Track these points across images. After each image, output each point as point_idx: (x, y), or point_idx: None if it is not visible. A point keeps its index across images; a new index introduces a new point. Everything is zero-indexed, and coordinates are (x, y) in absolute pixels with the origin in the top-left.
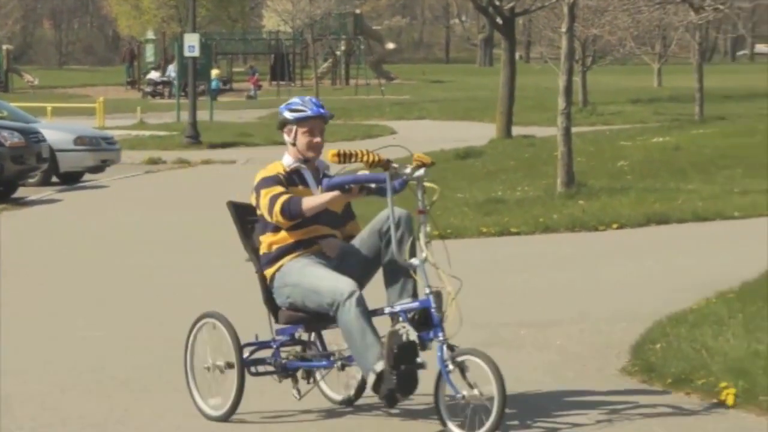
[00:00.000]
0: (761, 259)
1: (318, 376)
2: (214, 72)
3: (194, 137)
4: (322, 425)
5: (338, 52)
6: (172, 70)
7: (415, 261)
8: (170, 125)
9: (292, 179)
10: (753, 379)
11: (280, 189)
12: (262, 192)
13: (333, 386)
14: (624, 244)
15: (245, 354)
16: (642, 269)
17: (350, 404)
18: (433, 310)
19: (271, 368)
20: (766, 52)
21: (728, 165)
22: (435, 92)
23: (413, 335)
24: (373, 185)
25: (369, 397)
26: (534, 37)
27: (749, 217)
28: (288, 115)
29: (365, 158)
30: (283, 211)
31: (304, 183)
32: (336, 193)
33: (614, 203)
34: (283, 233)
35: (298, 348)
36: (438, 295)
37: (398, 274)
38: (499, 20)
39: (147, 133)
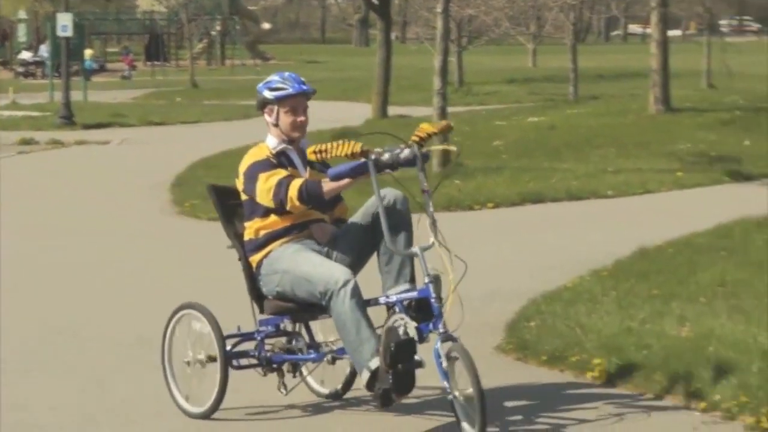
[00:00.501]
0: (634, 237)
1: (305, 370)
2: (88, 52)
3: (68, 118)
4: (309, 422)
5: (213, 33)
6: (44, 50)
7: (414, 249)
8: (43, 106)
9: (280, 162)
10: (626, 355)
11: (283, 172)
12: (261, 176)
13: (318, 378)
14: (499, 223)
15: (228, 347)
16: (517, 248)
17: (338, 398)
18: (432, 300)
19: (254, 361)
20: (639, 33)
21: (602, 144)
22: (311, 72)
23: (412, 330)
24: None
25: (357, 389)
26: (410, 17)
27: (622, 196)
28: (267, 94)
29: (341, 150)
30: (301, 194)
31: (292, 165)
32: (347, 181)
33: (489, 183)
34: (273, 218)
35: (283, 340)
36: (437, 282)
37: (394, 258)
38: (374, 0)
39: (20, 113)
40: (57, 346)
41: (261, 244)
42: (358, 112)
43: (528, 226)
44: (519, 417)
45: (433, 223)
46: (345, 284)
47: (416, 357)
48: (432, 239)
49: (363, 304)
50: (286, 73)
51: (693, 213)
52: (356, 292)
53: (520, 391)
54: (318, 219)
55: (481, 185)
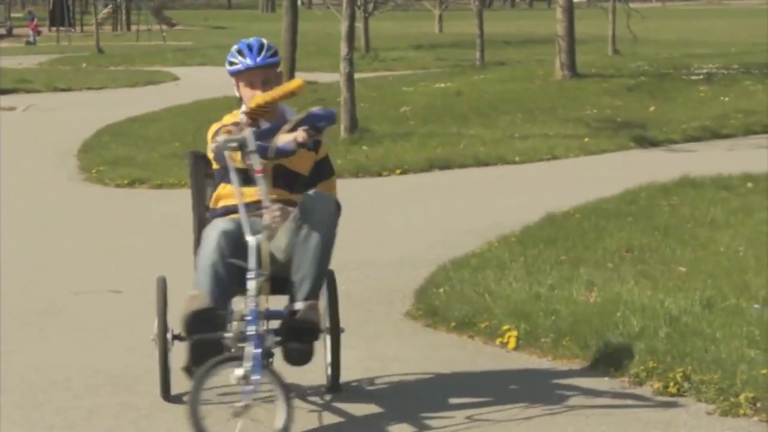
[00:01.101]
0: (541, 203)
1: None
2: None
3: None
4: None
5: None
6: None
7: (250, 239)
8: None
9: None
10: (534, 321)
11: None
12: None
13: None
14: (407, 189)
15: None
16: (425, 214)
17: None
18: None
19: None
20: None
21: (509, 110)
22: (217, 38)
23: (207, 301)
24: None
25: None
26: None
27: (529, 162)
28: (227, 67)
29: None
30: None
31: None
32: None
33: (397, 149)
34: (228, 189)
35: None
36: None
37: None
38: None
39: None
40: None
41: (215, 215)
42: None
43: (436, 192)
44: (426, 384)
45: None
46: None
47: (221, 332)
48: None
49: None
50: (249, 41)
51: (599, 179)
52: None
53: (429, 357)
54: (283, 200)
55: (389, 151)
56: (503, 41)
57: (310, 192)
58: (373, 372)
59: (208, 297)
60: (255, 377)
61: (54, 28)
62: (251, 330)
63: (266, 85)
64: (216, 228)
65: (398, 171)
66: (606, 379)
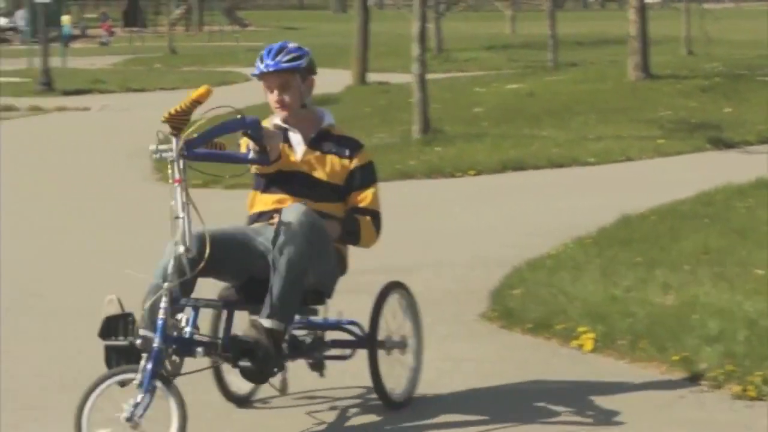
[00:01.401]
0: (616, 204)
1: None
2: (66, 18)
3: (47, 84)
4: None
5: None
6: (20, 16)
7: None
8: (22, 72)
9: None
10: (611, 323)
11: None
12: None
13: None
14: (481, 190)
15: None
16: (499, 215)
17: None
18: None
19: None
20: None
21: (582, 111)
22: (289, 38)
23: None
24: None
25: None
26: None
27: (604, 163)
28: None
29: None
30: None
31: (287, 141)
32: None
33: (470, 150)
34: (255, 195)
35: None
36: None
37: None
38: None
39: (1, 79)
40: (34, 313)
41: (251, 220)
42: (337, 79)
43: (510, 193)
44: (504, 385)
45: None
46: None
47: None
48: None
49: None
50: (274, 45)
51: (674, 180)
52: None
53: (504, 359)
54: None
55: (462, 152)
56: (575, 42)
57: (288, 205)
58: (445, 373)
59: (119, 304)
60: (140, 392)
61: (127, 29)
62: (155, 343)
63: (285, 90)
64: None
65: (471, 172)
66: (683, 381)
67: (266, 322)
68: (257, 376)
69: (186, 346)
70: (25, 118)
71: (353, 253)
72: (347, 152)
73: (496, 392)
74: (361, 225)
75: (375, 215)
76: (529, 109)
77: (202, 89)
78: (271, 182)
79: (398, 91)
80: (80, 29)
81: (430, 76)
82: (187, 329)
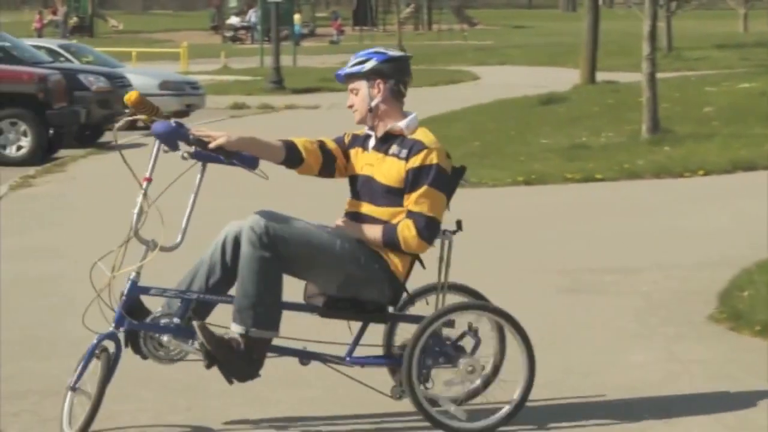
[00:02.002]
0: None
1: None
2: (297, 17)
3: (278, 82)
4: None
5: None
6: (253, 15)
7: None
8: (254, 70)
9: (357, 141)
10: None
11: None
12: None
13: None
14: (710, 190)
15: None
16: (728, 216)
17: None
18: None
19: None
20: None
21: None
22: (518, 38)
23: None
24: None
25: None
26: None
27: None
28: None
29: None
30: None
31: (364, 147)
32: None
33: (700, 149)
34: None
35: None
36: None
37: None
38: None
39: (231, 78)
40: None
41: None
42: (565, 78)
43: (739, 194)
44: (727, 388)
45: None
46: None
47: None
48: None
49: None
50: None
51: None
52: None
53: (732, 361)
54: (354, 213)
55: (692, 152)
56: None
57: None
58: (673, 374)
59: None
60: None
61: (357, 28)
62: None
63: (355, 94)
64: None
65: (701, 172)
66: None
67: (232, 326)
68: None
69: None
70: (255, 116)
71: (578, 252)
72: (406, 153)
73: (724, 394)
74: (398, 229)
75: (419, 218)
76: (761, 108)
77: (128, 95)
78: (350, 186)
79: (627, 90)
80: (308, 29)
81: (659, 75)
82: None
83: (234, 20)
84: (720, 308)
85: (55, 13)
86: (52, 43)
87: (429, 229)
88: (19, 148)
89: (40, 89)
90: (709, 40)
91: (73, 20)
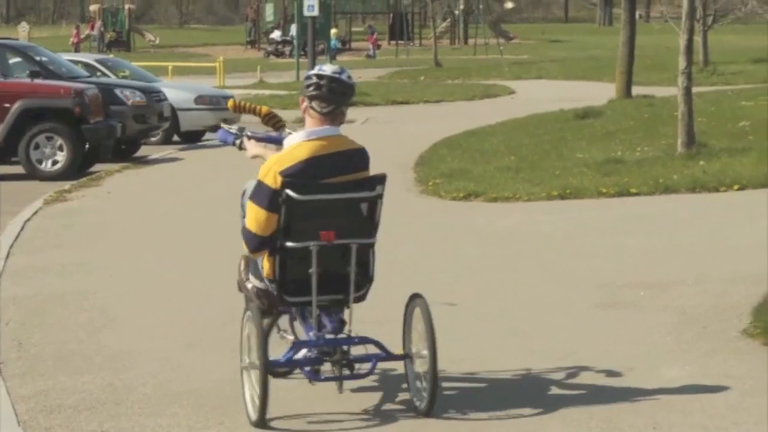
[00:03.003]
0: None
1: None
2: (333, 31)
3: None
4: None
5: (457, 12)
6: (293, 29)
7: None
8: (290, 84)
9: None
10: None
11: None
12: None
13: None
14: (745, 205)
15: None
16: (763, 231)
17: None
18: None
19: None
20: None
21: None
22: (554, 52)
23: None
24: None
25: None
26: None
27: None
28: None
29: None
30: None
31: None
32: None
33: (735, 164)
34: None
35: None
36: None
37: None
38: None
39: (267, 92)
40: None
41: None
42: (601, 92)
43: None
44: (766, 405)
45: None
46: None
47: None
48: None
49: None
50: None
51: None
52: None
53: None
54: None
55: (727, 166)
56: None
57: None
58: (707, 389)
59: None
60: None
61: (393, 42)
62: None
63: None
64: None
65: (736, 187)
66: None
67: None
68: None
69: None
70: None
71: (612, 266)
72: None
73: (759, 409)
74: None
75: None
76: None
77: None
78: None
79: (663, 104)
80: (341, 42)
81: (695, 90)
82: None
83: (275, 34)
84: (755, 323)
85: (92, 27)
86: (89, 58)
87: (243, 236)
88: (55, 162)
89: (77, 104)
90: (745, 55)
91: (110, 35)
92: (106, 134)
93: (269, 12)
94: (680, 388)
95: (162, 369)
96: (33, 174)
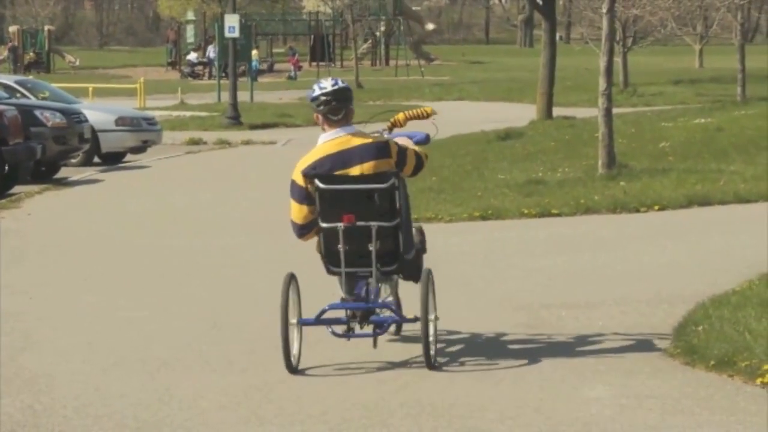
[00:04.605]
0: None
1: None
2: (254, 53)
3: (235, 118)
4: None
5: (378, 33)
6: (211, 51)
7: None
8: (211, 106)
9: None
10: None
11: None
12: None
13: None
14: (666, 225)
15: None
16: (684, 251)
17: None
18: None
19: None
20: None
21: None
22: (475, 73)
23: None
24: None
25: None
26: (574, 17)
27: None
28: None
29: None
30: None
31: None
32: None
33: (656, 184)
34: None
35: None
36: None
37: None
38: (539, 0)
39: (188, 113)
40: (226, 345)
41: None
42: (522, 113)
43: (695, 229)
44: (682, 423)
45: None
46: None
47: None
48: None
49: None
50: None
51: None
52: None
53: (687, 396)
54: None
55: (647, 187)
56: (765, 76)
57: None
58: (627, 409)
59: None
60: None
61: (314, 63)
62: None
63: None
64: None
65: (656, 207)
66: None
67: None
68: None
69: None
70: (211, 152)
71: (534, 288)
72: None
73: (679, 429)
74: None
75: None
76: (716, 143)
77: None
78: None
79: (583, 125)
80: (267, 64)
81: (616, 111)
82: None
83: (192, 56)
84: (675, 343)
85: (10, 48)
86: (9, 79)
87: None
88: None
89: None
90: (664, 76)
91: (30, 56)
92: (25, 156)
93: (190, 33)
94: (601, 408)
95: (82, 392)
96: None
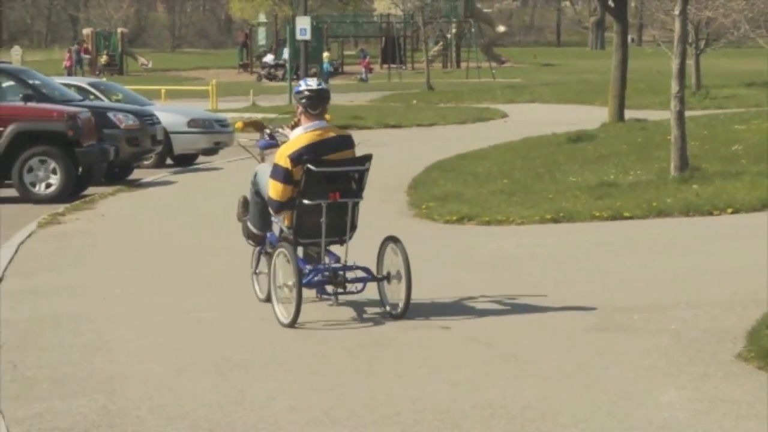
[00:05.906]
0: None
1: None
2: (325, 55)
3: None
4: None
5: (449, 35)
6: (287, 53)
7: None
8: (282, 108)
9: None
10: None
11: None
12: None
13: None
14: (739, 228)
15: None
16: (757, 254)
17: None
18: None
19: None
20: None
21: None
22: (546, 75)
23: None
24: None
25: None
26: (646, 19)
27: None
28: None
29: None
30: None
31: None
32: None
33: (729, 187)
34: None
35: None
36: None
37: None
38: (610, 3)
39: (259, 115)
40: (297, 346)
41: None
42: (593, 116)
43: None
44: (760, 428)
45: None
46: None
47: None
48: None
49: None
50: None
51: None
52: None
53: (761, 401)
54: None
55: (720, 190)
56: None
57: None
58: (701, 413)
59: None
60: None
61: (386, 66)
62: None
63: None
64: None
65: (729, 210)
66: None
67: None
68: None
69: None
70: None
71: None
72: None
73: None
74: None
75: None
76: None
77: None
78: None
79: (655, 128)
80: (334, 66)
81: (688, 113)
82: None
83: (268, 58)
84: (749, 347)
85: (85, 51)
86: (82, 81)
87: (268, 203)
88: (48, 185)
89: (70, 127)
90: (737, 78)
91: (103, 58)
92: (99, 157)
93: (261, 36)
94: (674, 412)
95: (156, 392)
96: (26, 197)
